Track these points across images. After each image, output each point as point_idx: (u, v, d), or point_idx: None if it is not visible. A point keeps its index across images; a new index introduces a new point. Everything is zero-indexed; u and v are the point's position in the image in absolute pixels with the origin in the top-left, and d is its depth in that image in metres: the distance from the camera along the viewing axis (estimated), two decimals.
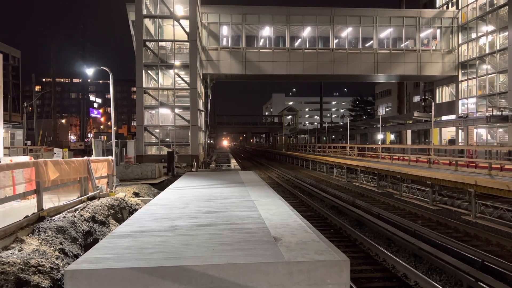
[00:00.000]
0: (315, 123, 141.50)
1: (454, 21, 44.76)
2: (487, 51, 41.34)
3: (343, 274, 5.44)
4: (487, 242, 12.35)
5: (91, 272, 5.12)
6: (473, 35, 43.33)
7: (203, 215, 8.81)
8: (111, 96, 18.43)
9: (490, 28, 41.19)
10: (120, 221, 11.77)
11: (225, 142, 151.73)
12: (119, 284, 5.12)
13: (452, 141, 45.49)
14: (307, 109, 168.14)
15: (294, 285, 5.34)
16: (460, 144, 41.96)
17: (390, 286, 8.91)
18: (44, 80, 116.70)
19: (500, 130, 38.65)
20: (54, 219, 9.30)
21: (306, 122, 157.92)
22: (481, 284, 8.12)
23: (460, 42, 44.60)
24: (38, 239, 8.04)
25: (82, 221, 9.96)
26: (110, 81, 18.15)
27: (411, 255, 10.77)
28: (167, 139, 35.67)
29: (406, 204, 18.75)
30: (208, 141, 53.68)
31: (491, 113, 36.90)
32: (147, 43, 35.15)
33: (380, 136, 49.83)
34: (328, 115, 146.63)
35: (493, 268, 9.21)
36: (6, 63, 60.24)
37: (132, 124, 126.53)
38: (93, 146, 24.69)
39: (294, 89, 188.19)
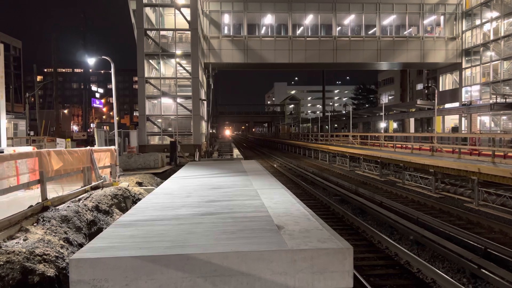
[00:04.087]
0: (318, 112, 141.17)
1: (458, 8, 44.20)
2: (491, 38, 40.88)
3: (346, 262, 5.46)
4: (490, 229, 12.36)
5: (96, 261, 5.16)
6: (477, 22, 42.81)
7: (206, 204, 8.83)
8: (113, 86, 18.37)
9: (495, 14, 40.67)
10: (123, 210, 11.83)
11: (228, 132, 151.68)
12: (123, 273, 5.16)
13: (455, 129, 45.31)
14: (309, 98, 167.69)
15: (297, 272, 5.36)
16: (463, 132, 41.79)
17: (393, 273, 8.95)
18: (45, 70, 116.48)
19: (504, 117, 38.44)
20: (58, 209, 9.35)
21: (309, 111, 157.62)
22: (484, 271, 8.15)
23: (464, 28, 44.10)
24: (42, 229, 8.09)
25: (86, 211, 10.01)
26: (112, 71, 18.08)
27: (414, 242, 10.80)
28: (170, 128, 35.67)
29: (408, 192, 18.76)
30: (211, 131, 53.67)
31: (494, 100, 36.67)
32: (148, 32, 34.95)
33: (382, 125, 49.64)
34: (331, 103, 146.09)
35: (496, 255, 9.23)
36: (8, 53, 60.06)
37: (134, 114, 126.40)
38: (95, 136, 24.71)
39: (296, 78, 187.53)
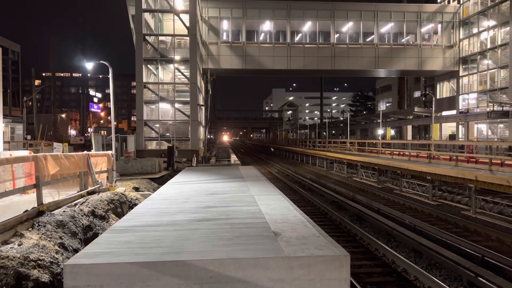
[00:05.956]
0: (316, 118, 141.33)
1: (456, 16, 44.55)
2: (488, 46, 41.16)
3: (343, 269, 5.42)
4: (487, 237, 12.35)
5: (91, 267, 5.11)
6: (475, 30, 43.13)
7: (203, 210, 8.79)
8: (111, 90, 18.38)
9: (492, 23, 40.99)
10: (120, 215, 11.76)
11: (225, 137, 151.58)
12: (118, 279, 5.11)
13: (452, 137, 45.45)
14: (307, 104, 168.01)
15: (294, 280, 5.33)
16: (460, 139, 41.91)
17: (390, 281, 8.91)
18: (44, 74, 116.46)
19: (501, 125, 38.61)
20: (53, 214, 9.28)
21: (307, 117, 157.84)
22: (481, 279, 8.13)
23: (461, 37, 44.41)
24: (37, 234, 8.02)
25: (82, 216, 9.94)
26: (110, 76, 18.08)
27: (411, 250, 10.78)
28: (167, 134, 35.63)
29: (406, 200, 18.75)
30: (208, 136, 53.64)
31: (491, 108, 36.81)
32: (147, 37, 35.00)
33: (380, 131, 49.70)
34: (329, 110, 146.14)
35: (493, 263, 9.21)
36: (6, 57, 60.08)
37: (132, 118, 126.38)
38: (93, 141, 24.67)
39: (294, 84, 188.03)
